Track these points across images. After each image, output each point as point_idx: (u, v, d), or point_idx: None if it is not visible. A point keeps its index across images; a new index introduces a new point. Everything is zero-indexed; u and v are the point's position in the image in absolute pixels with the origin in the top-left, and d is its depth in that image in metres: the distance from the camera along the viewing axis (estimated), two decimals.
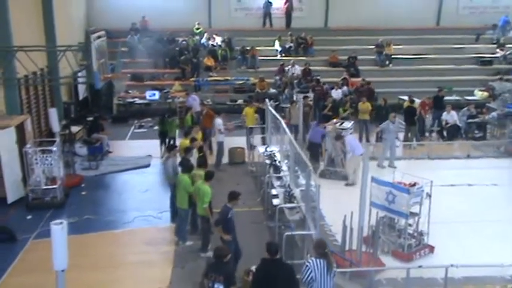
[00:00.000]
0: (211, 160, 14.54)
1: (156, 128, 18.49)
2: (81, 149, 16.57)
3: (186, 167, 10.70)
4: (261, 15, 27.05)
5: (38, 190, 12.66)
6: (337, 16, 27.05)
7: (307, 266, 6.79)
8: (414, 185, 9.72)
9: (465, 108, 18.76)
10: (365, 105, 17.71)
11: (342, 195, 12.17)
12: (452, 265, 8.41)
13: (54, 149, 12.93)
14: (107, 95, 21.83)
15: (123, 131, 19.69)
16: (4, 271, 9.64)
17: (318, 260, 6.76)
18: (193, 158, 11.64)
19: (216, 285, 6.82)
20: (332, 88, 20.95)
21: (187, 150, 11.62)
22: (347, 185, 13.49)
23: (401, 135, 17.20)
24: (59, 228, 6.27)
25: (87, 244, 10.61)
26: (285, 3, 26.87)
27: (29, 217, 12.03)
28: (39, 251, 10.17)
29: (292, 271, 7.05)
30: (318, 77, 22.52)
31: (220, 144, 15.45)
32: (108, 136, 16.97)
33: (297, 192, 10.90)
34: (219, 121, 15.63)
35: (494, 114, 18.17)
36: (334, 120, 15.83)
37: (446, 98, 20.14)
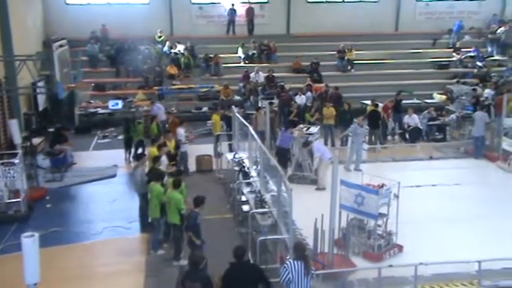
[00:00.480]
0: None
1: (120, 137, 18.22)
2: (44, 161, 16.11)
3: (156, 176, 10.59)
4: (223, 22, 26.99)
5: (0, 204, 12.30)
6: (299, 23, 27.27)
7: (284, 267, 6.93)
8: (382, 186, 9.93)
9: (426, 111, 19.29)
10: (329, 111, 17.93)
11: (310, 199, 12.23)
12: (421, 263, 8.65)
13: (17, 161, 12.59)
14: (68, 105, 21.33)
15: (87, 141, 19.25)
16: None
17: (295, 262, 6.89)
18: (163, 165, 11.52)
19: None
20: (296, 94, 21.15)
21: (155, 159, 11.49)
22: (317, 189, 13.62)
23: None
24: (30, 241, 6.16)
25: (55, 257, 10.31)
26: (247, 10, 26.99)
27: None
28: (5, 265, 9.86)
29: (260, 271, 7.17)
30: (282, 83, 22.71)
31: (184, 154, 15.26)
32: (72, 147, 16.60)
33: (267, 197, 10.95)
34: (180, 131, 15.37)
35: (453, 116, 18.75)
36: (301, 125, 15.99)
37: (407, 101, 20.74)
